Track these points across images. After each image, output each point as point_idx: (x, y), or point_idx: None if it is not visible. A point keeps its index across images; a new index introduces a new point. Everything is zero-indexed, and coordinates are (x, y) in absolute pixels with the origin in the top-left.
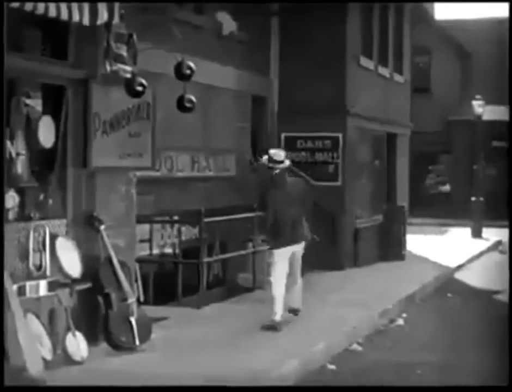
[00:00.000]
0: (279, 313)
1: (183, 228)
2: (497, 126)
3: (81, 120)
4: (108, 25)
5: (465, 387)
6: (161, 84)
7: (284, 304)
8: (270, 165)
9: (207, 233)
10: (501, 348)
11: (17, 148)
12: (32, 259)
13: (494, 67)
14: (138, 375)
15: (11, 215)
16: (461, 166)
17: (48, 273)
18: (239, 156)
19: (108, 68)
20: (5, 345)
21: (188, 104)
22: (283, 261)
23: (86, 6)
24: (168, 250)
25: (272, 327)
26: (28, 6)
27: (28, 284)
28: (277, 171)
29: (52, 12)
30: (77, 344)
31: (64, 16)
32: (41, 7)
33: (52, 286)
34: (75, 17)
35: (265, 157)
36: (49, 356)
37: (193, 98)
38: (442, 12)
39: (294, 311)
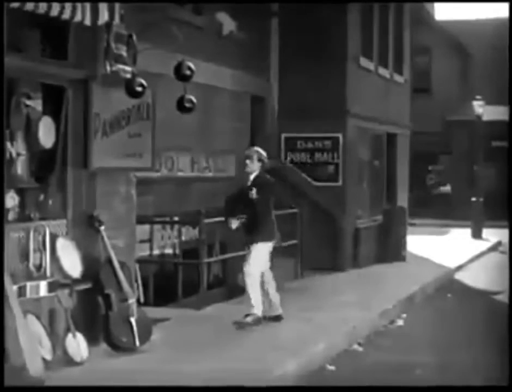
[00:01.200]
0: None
1: (183, 229)
2: (497, 126)
3: (81, 121)
4: (108, 25)
5: (465, 387)
6: (161, 84)
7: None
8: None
9: (207, 233)
10: (501, 348)
11: (17, 149)
12: (33, 259)
13: (494, 67)
14: (138, 376)
15: (11, 216)
16: (461, 167)
17: (48, 273)
18: (239, 157)
19: (108, 68)
20: (5, 345)
21: (188, 105)
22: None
23: (87, 6)
24: (168, 251)
25: (255, 323)
26: (30, 6)
27: (28, 284)
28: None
29: (54, 12)
30: (77, 344)
31: (66, 15)
32: (43, 6)
33: (52, 287)
34: (77, 17)
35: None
36: (49, 357)
37: (193, 99)
38: (442, 12)
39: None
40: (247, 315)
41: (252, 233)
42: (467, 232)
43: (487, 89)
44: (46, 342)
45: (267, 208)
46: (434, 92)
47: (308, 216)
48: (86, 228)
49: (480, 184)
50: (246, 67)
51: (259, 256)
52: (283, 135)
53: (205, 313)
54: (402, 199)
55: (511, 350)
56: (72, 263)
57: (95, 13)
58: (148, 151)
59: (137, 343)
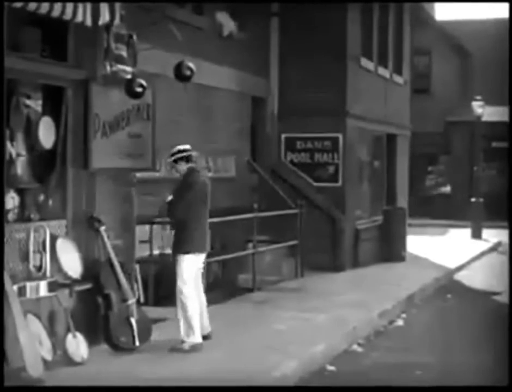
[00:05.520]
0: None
1: None
2: (497, 126)
3: (81, 121)
4: (108, 26)
5: (465, 387)
6: (161, 84)
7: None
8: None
9: None
10: (501, 348)
11: (17, 149)
12: (33, 260)
13: (494, 68)
14: (137, 376)
15: (11, 216)
16: (460, 167)
17: (48, 273)
18: (239, 157)
19: (108, 69)
20: (5, 346)
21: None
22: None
23: (88, 6)
24: (168, 251)
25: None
26: (32, 6)
27: (28, 285)
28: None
29: (56, 12)
30: (77, 345)
31: (67, 16)
32: (45, 7)
33: (52, 287)
34: (78, 18)
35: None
36: (49, 357)
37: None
38: (442, 12)
39: (207, 337)
40: (183, 342)
41: (173, 243)
42: (467, 232)
43: (487, 89)
44: (46, 342)
45: (182, 213)
46: (434, 92)
47: (308, 216)
48: (86, 229)
49: (480, 185)
50: (246, 67)
51: (183, 271)
52: (283, 135)
53: None
54: (402, 199)
55: (511, 350)
56: (72, 263)
57: (96, 14)
58: (149, 151)
59: (137, 343)
